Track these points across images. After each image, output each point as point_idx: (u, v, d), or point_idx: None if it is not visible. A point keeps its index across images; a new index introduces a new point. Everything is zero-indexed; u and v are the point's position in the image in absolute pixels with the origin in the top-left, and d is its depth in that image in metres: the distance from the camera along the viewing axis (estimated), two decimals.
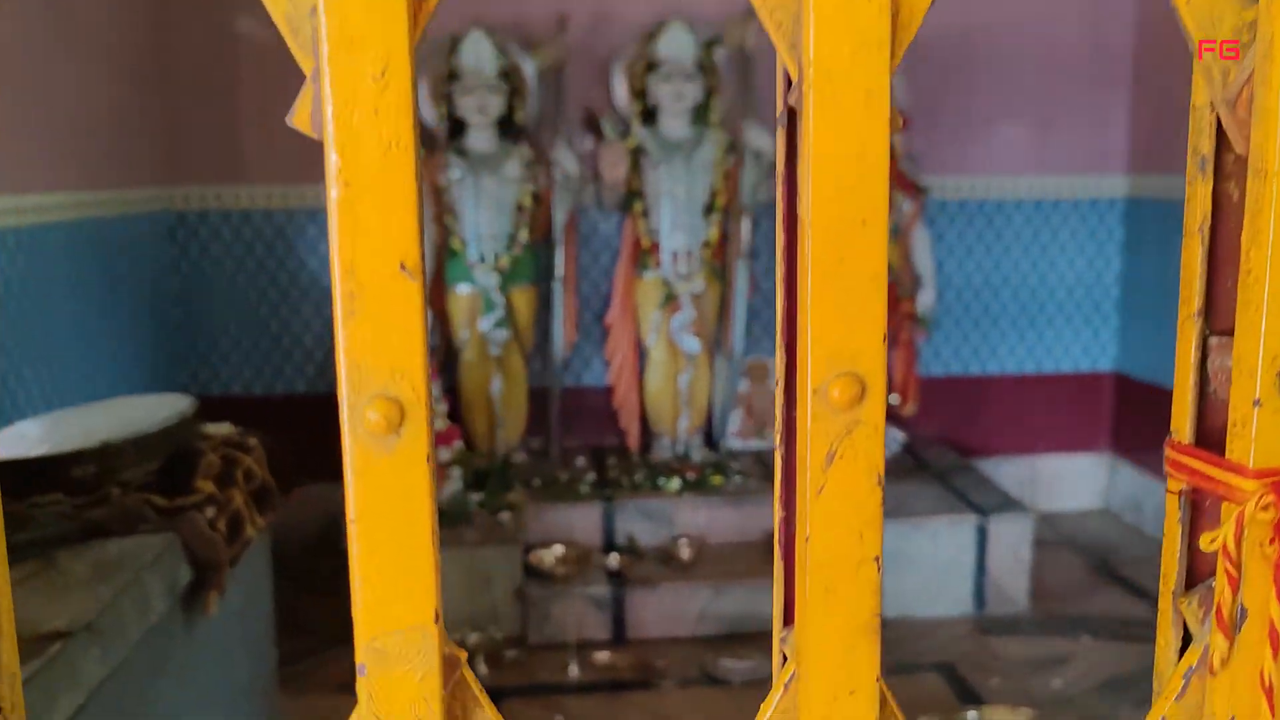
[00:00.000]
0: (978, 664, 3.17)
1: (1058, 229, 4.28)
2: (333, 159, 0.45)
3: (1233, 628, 0.53)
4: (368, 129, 0.45)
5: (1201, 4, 0.51)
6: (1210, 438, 0.56)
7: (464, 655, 0.50)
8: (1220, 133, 0.54)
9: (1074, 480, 4.46)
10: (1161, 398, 4.06)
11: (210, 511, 2.20)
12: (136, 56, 3.64)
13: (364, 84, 0.45)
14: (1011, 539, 3.53)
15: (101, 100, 3.32)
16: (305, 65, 0.47)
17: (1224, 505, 0.53)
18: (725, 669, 3.12)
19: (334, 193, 0.45)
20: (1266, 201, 0.50)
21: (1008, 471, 4.33)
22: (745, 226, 3.84)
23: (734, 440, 4.10)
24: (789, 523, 0.53)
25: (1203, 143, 0.53)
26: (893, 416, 4.09)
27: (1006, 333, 4.31)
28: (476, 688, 0.52)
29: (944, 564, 3.50)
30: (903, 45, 0.48)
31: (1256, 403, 0.51)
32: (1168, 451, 0.57)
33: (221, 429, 2.51)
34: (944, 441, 4.26)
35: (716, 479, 3.71)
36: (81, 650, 1.78)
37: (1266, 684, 0.52)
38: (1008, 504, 3.62)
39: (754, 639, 3.32)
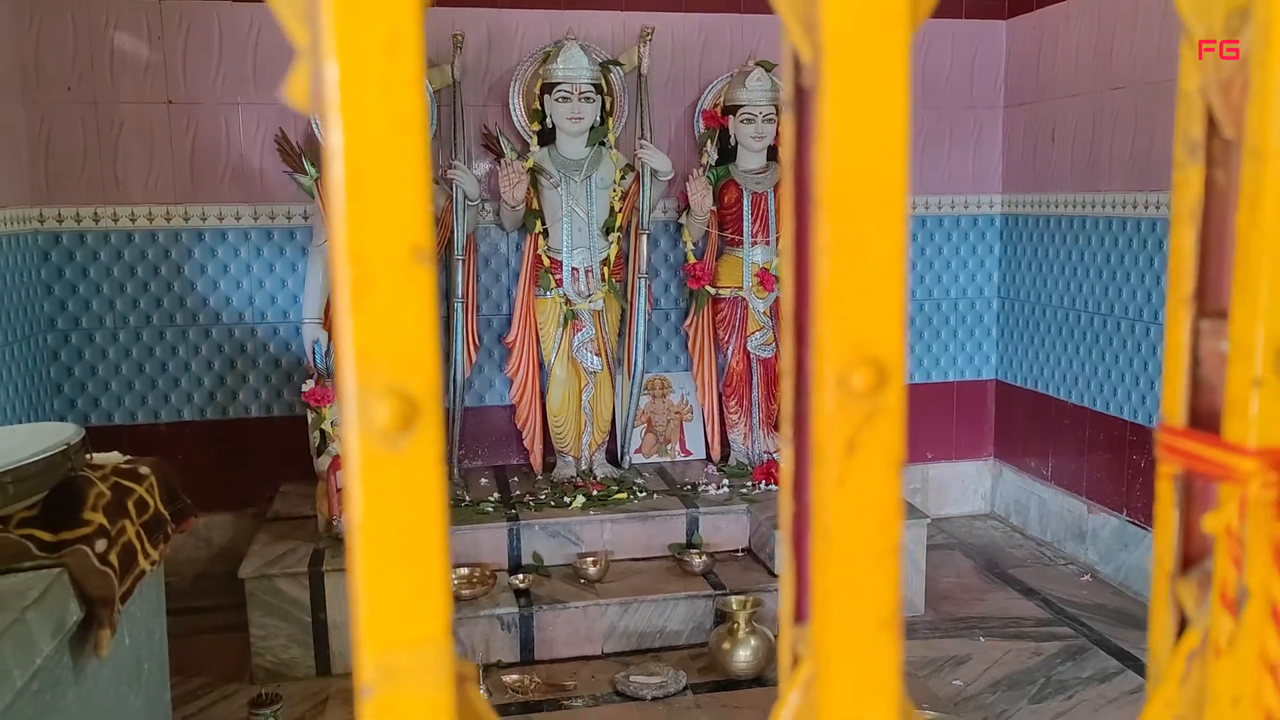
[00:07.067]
0: None
1: (941, 245, 4.42)
2: (336, 137, 0.41)
3: (1236, 608, 0.53)
4: (375, 104, 0.41)
5: None
6: (1201, 421, 0.56)
7: (473, 670, 0.47)
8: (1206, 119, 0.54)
9: (961, 485, 4.59)
10: (1038, 404, 4.21)
11: (101, 544, 2.07)
12: (3, 71, 3.44)
13: (371, 55, 0.41)
14: (908, 544, 3.60)
15: None
16: (298, 35, 0.43)
17: (1222, 486, 0.54)
18: (636, 685, 3.08)
19: (337, 172, 0.41)
20: (1264, 184, 0.50)
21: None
22: (644, 245, 3.84)
23: (637, 456, 4.09)
24: (800, 517, 0.51)
25: (1193, 128, 0.54)
26: None
27: None
28: (481, 703, 0.48)
29: None
30: (919, 20, 0.47)
31: (1257, 383, 0.51)
32: (1161, 436, 0.57)
33: (111, 458, 2.36)
34: None
35: (621, 495, 3.69)
36: None
37: (1271, 662, 0.52)
38: (904, 510, 3.69)
39: (663, 654, 3.30)
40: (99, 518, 2.09)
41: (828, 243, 0.47)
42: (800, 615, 0.52)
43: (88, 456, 2.27)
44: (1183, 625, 0.57)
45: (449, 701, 0.45)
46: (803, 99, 0.48)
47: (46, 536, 2.03)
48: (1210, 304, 0.55)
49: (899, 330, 0.48)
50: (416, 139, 0.42)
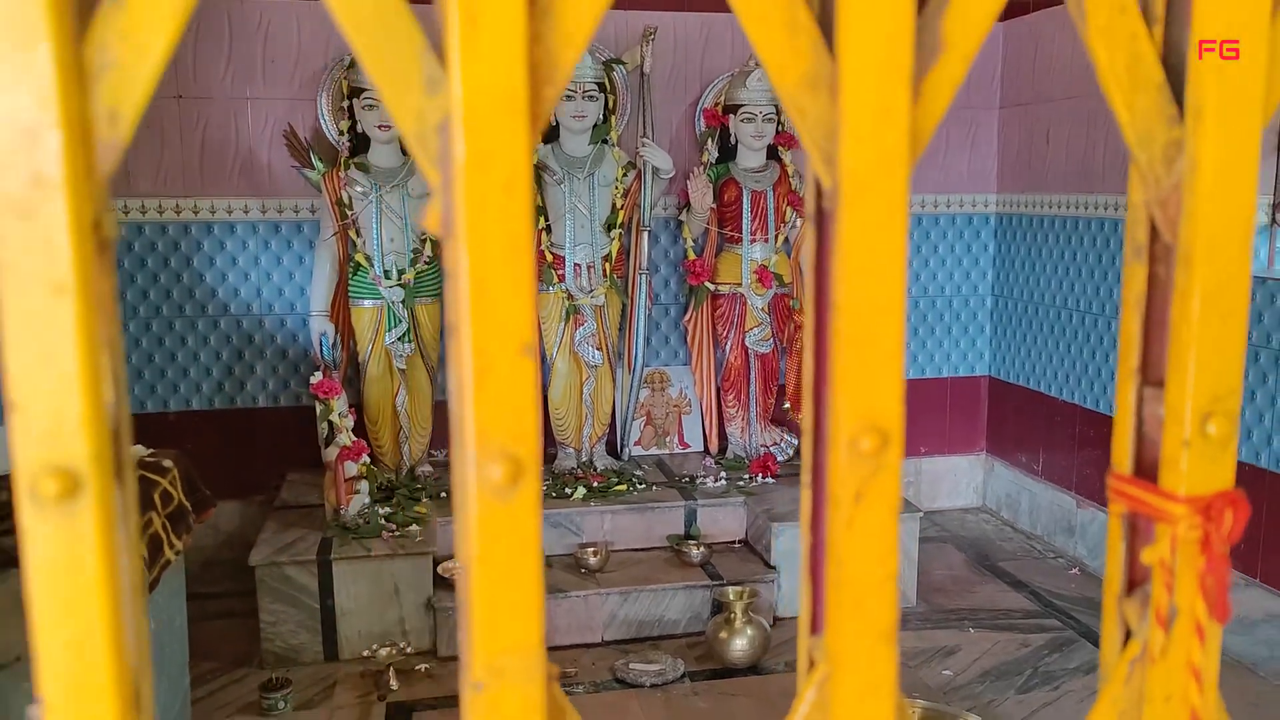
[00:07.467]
0: None
1: (937, 243, 4.55)
2: (463, 257, 0.54)
3: (1168, 624, 0.66)
4: (495, 233, 0.54)
5: (1140, 124, 0.64)
6: (1143, 470, 0.70)
7: (557, 670, 0.60)
8: (1150, 223, 0.67)
9: (954, 479, 4.74)
10: (1030, 400, 4.35)
11: None
12: None
13: (493, 196, 0.54)
14: (901, 537, 3.73)
15: None
16: (431, 175, 0.55)
17: (1158, 526, 0.67)
18: (635, 672, 3.23)
19: (464, 285, 0.54)
20: (1192, 287, 0.63)
21: None
22: (644, 241, 3.96)
23: (636, 448, 4.22)
24: (816, 548, 0.64)
25: (1139, 233, 0.67)
26: (786, 423, 4.28)
27: None
28: (562, 697, 0.61)
29: None
30: (915, 159, 0.60)
31: (1186, 444, 0.64)
32: (1110, 481, 0.70)
33: (135, 451, 2.48)
34: None
35: (621, 487, 3.82)
36: (13, 685, 1.77)
37: (1195, 668, 0.66)
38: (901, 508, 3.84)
39: (662, 642, 3.44)
40: None
41: (843, 335, 0.60)
42: (816, 627, 0.65)
43: None
44: (1128, 637, 0.70)
45: (541, 696, 0.58)
46: (823, 218, 0.61)
47: None
48: (1152, 375, 0.68)
49: (898, 404, 0.61)
50: (525, 260, 0.54)
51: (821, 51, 0.59)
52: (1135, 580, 0.70)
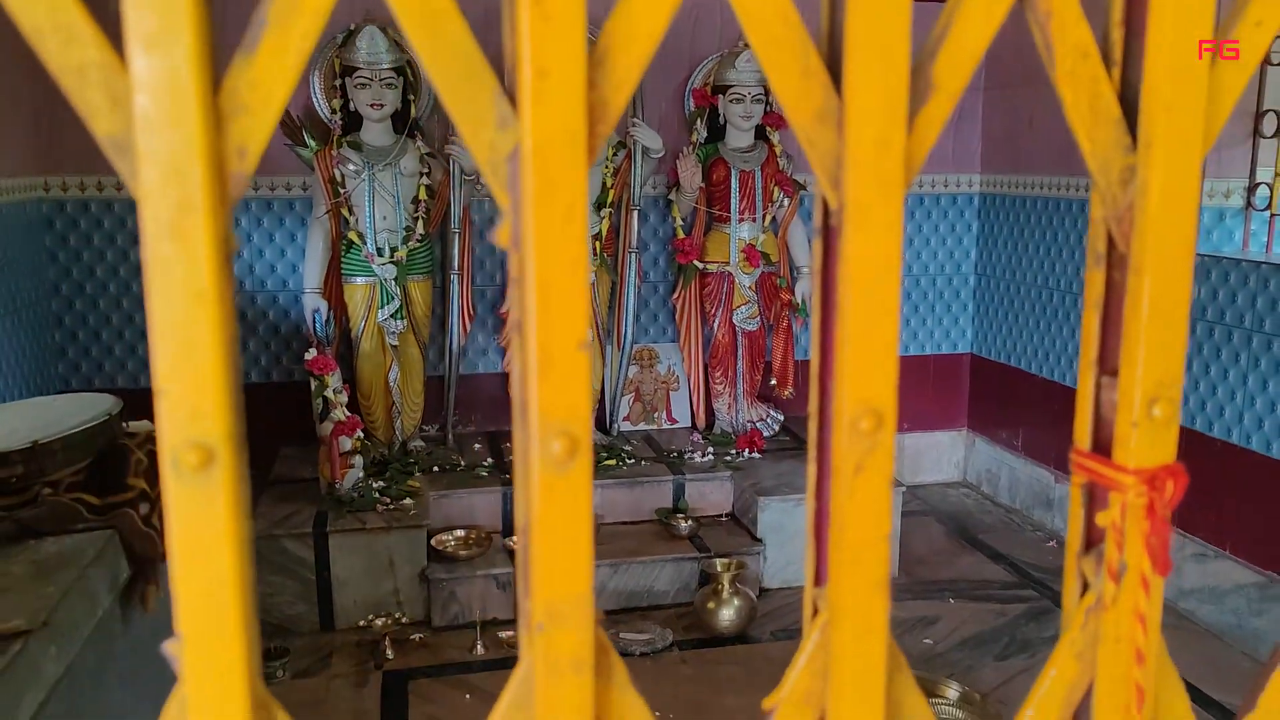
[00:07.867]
0: None
1: (921, 222, 4.68)
2: (530, 270, 0.65)
3: (1118, 577, 0.79)
4: (556, 250, 0.65)
5: (1100, 153, 0.76)
6: (1100, 446, 0.82)
7: (601, 615, 0.71)
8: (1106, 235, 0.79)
9: (935, 454, 4.89)
10: (1011, 377, 4.50)
11: (144, 508, 2.30)
12: (7, 39, 3.59)
13: (556, 219, 0.65)
14: None
15: None
16: (501, 199, 0.66)
17: (1111, 493, 0.79)
18: (625, 642, 3.36)
19: (531, 291, 0.65)
20: (1140, 292, 0.75)
21: None
22: (634, 220, 4.07)
23: (625, 424, 4.34)
24: (821, 513, 0.76)
25: (1099, 244, 0.79)
26: (772, 399, 4.41)
27: None
28: (605, 638, 0.73)
29: None
30: (909, 184, 0.71)
31: (1135, 424, 0.77)
32: (1073, 456, 0.82)
33: (143, 426, 2.58)
34: None
35: (610, 461, 3.95)
36: (41, 649, 1.88)
37: (1141, 614, 0.78)
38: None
39: (651, 613, 3.58)
40: (140, 483, 2.32)
41: (845, 332, 0.71)
42: (819, 580, 0.78)
43: (123, 425, 2.49)
44: (1085, 588, 0.83)
45: (591, 635, 0.70)
46: (829, 232, 0.72)
47: (94, 500, 2.26)
48: (1109, 365, 0.80)
49: (892, 390, 0.72)
50: (582, 270, 0.65)
51: (830, 91, 0.70)
52: (1092, 540, 0.82)
